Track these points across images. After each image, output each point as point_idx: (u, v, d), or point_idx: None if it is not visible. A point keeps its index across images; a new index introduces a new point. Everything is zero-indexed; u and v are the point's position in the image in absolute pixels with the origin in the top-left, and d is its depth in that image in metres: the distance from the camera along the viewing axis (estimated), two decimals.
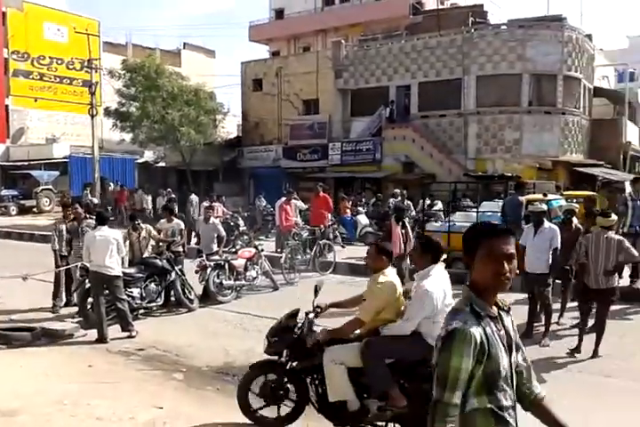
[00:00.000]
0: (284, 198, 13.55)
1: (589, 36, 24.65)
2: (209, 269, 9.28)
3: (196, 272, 9.37)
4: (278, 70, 28.17)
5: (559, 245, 7.06)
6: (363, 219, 16.06)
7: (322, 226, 12.89)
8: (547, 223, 7.31)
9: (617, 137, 24.96)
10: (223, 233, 10.28)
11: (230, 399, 5.30)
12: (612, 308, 6.98)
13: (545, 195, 11.00)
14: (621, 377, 5.85)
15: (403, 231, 8.87)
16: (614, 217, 7.01)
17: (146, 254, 9.15)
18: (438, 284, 4.18)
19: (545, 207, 7.59)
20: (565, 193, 13.66)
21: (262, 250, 10.66)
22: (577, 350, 6.50)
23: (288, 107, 28.00)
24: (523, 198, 10.59)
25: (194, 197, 18.45)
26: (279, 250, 13.06)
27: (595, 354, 6.37)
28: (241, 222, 16.22)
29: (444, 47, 23.54)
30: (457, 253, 8.92)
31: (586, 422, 4.17)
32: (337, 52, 26.10)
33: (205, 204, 15.71)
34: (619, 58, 34.33)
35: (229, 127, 30.37)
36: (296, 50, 34.64)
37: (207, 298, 9.35)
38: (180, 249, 9.72)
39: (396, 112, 24.52)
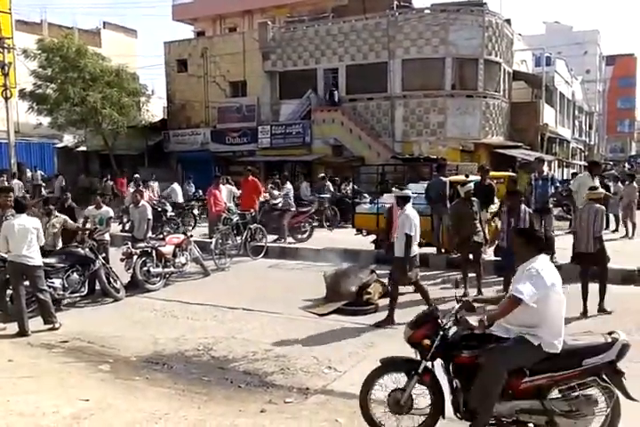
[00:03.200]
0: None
1: (508, 21, 25.47)
2: (135, 257, 9.06)
3: (122, 260, 9.13)
4: (204, 51, 27.49)
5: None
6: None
7: (252, 210, 12.82)
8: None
9: (535, 119, 26.12)
10: (149, 216, 10.11)
11: (160, 388, 5.28)
12: None
13: (467, 176, 11.40)
14: None
15: None
16: (601, 190, 7.98)
17: (60, 244, 8.82)
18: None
19: (408, 192, 7.69)
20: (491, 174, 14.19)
21: (191, 236, 10.51)
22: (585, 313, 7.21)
23: (215, 89, 27.44)
24: (446, 179, 10.96)
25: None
26: (211, 235, 12.92)
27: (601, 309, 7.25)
28: (169, 208, 15.86)
29: (369, 30, 23.70)
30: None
31: None
32: (264, 33, 25.74)
33: (131, 189, 15.27)
34: (536, 43, 35.78)
35: (155, 110, 29.42)
36: (222, 30, 33.86)
37: (135, 287, 9.15)
38: (106, 237, 9.48)
39: (334, 94, 24.23)
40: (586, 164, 41.02)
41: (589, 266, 7.48)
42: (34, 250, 7.08)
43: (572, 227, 7.55)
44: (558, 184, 12.97)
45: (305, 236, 13.64)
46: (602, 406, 3.88)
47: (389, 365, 4.26)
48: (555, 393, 3.93)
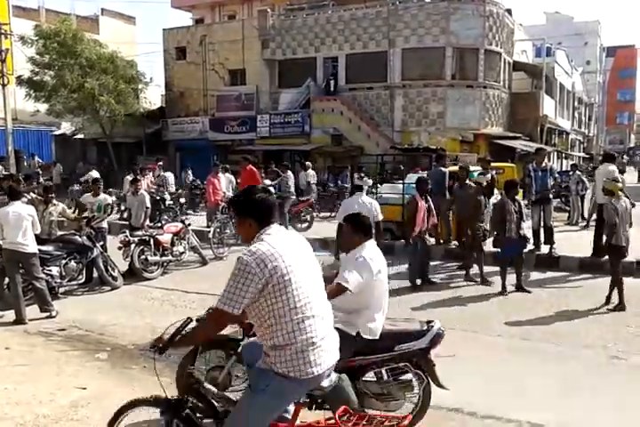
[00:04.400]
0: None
1: (509, 11, 25.30)
2: (133, 245, 9.03)
3: (120, 249, 9.10)
4: (202, 38, 27.28)
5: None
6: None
7: None
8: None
9: (535, 110, 26.02)
10: (148, 205, 10.17)
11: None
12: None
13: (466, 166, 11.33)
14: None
15: (427, 205, 8.49)
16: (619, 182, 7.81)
17: (58, 232, 8.79)
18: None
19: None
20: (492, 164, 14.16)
21: (189, 224, 10.47)
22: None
23: (214, 77, 27.27)
24: (446, 169, 10.90)
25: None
26: (209, 224, 12.88)
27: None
28: (167, 196, 15.79)
29: (369, 19, 23.52)
30: (385, 224, 9.11)
31: None
32: (263, 21, 25.53)
33: (129, 177, 15.16)
34: (537, 33, 35.57)
35: (153, 98, 29.25)
36: (221, 18, 33.56)
37: (133, 275, 9.12)
38: (104, 225, 9.44)
39: (330, 84, 24.17)
40: (585, 155, 41.05)
41: (622, 258, 7.42)
42: (29, 237, 7.05)
43: (608, 220, 7.29)
44: (557, 175, 12.96)
45: (305, 225, 13.60)
46: (414, 392, 4.01)
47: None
48: (370, 376, 4.01)
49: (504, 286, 7.94)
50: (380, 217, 8.26)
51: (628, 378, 5.15)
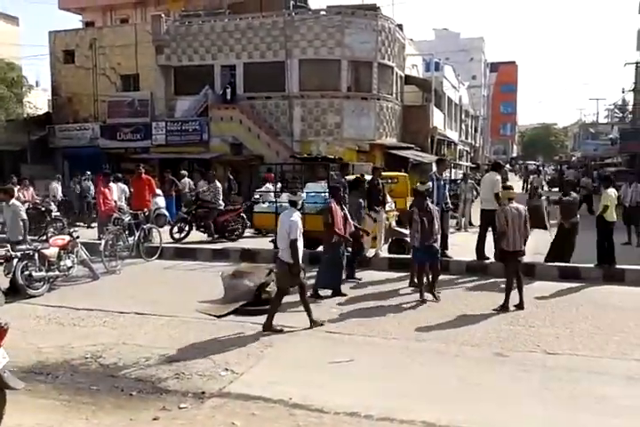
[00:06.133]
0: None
1: (400, 26, 26.46)
2: (15, 260, 8.42)
3: (0, 264, 8.45)
4: (92, 42, 26.15)
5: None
6: (160, 201, 15.56)
7: (145, 209, 12.35)
8: None
9: (425, 122, 27.35)
10: (24, 216, 9.38)
11: (43, 400, 4.96)
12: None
13: (362, 175, 11.66)
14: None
15: (342, 213, 8.47)
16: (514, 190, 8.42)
17: None
18: None
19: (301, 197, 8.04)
20: (383, 174, 14.67)
21: (78, 237, 9.94)
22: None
23: (105, 82, 26.18)
24: (343, 179, 11.11)
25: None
26: (100, 236, 12.30)
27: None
28: (53, 208, 14.93)
29: (266, 29, 23.66)
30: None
31: None
32: (157, 26, 24.91)
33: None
34: (426, 48, 37.43)
35: (39, 103, 27.58)
36: (112, 21, 32.32)
37: (15, 292, 8.49)
38: None
39: (227, 92, 24.07)
40: (472, 165, 43.58)
41: (519, 262, 7.84)
42: None
43: (498, 226, 7.69)
44: (447, 185, 13.65)
45: (234, 235, 13.37)
46: None
47: None
48: None
49: (422, 294, 8.11)
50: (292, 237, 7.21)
51: (511, 373, 5.50)
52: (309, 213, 11.26)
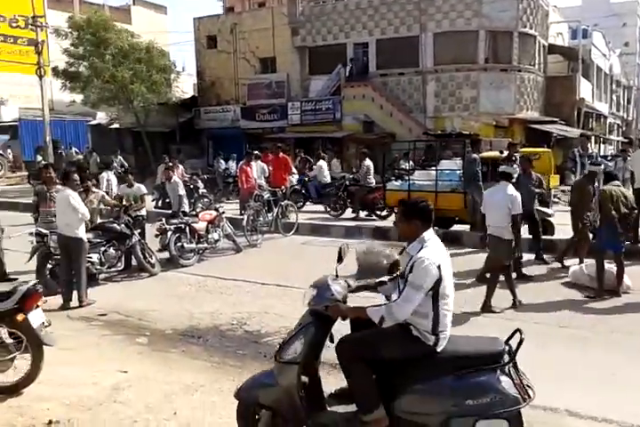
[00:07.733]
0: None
1: None
2: (169, 233, 9.19)
3: (156, 236, 9.28)
4: (233, 27, 27.33)
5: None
6: (294, 179, 15.67)
7: (283, 187, 12.83)
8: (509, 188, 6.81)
9: (571, 94, 25.36)
10: (182, 192, 10.35)
11: (195, 361, 5.39)
12: None
13: (501, 152, 11.14)
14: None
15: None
16: None
17: (99, 220, 8.98)
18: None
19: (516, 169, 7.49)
20: (522, 150, 13.90)
21: (223, 212, 10.60)
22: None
23: (245, 65, 27.34)
24: (477, 156, 10.69)
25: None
26: (242, 212, 13.00)
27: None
28: (200, 185, 15.98)
29: (400, 3, 23.18)
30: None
31: None
32: (292, 8, 25.41)
33: (161, 167, 15.38)
34: (572, 15, 34.53)
35: (185, 87, 29.49)
36: (251, 6, 33.53)
37: (169, 262, 9.30)
38: (143, 213, 9.63)
39: (355, 70, 24.23)
40: (625, 139, 39.89)
41: None
42: (76, 223, 7.18)
43: None
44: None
45: (385, 213, 13.27)
46: (11, 351, 4.37)
47: None
48: None
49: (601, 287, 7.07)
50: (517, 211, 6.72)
51: None
52: (443, 191, 11.04)
